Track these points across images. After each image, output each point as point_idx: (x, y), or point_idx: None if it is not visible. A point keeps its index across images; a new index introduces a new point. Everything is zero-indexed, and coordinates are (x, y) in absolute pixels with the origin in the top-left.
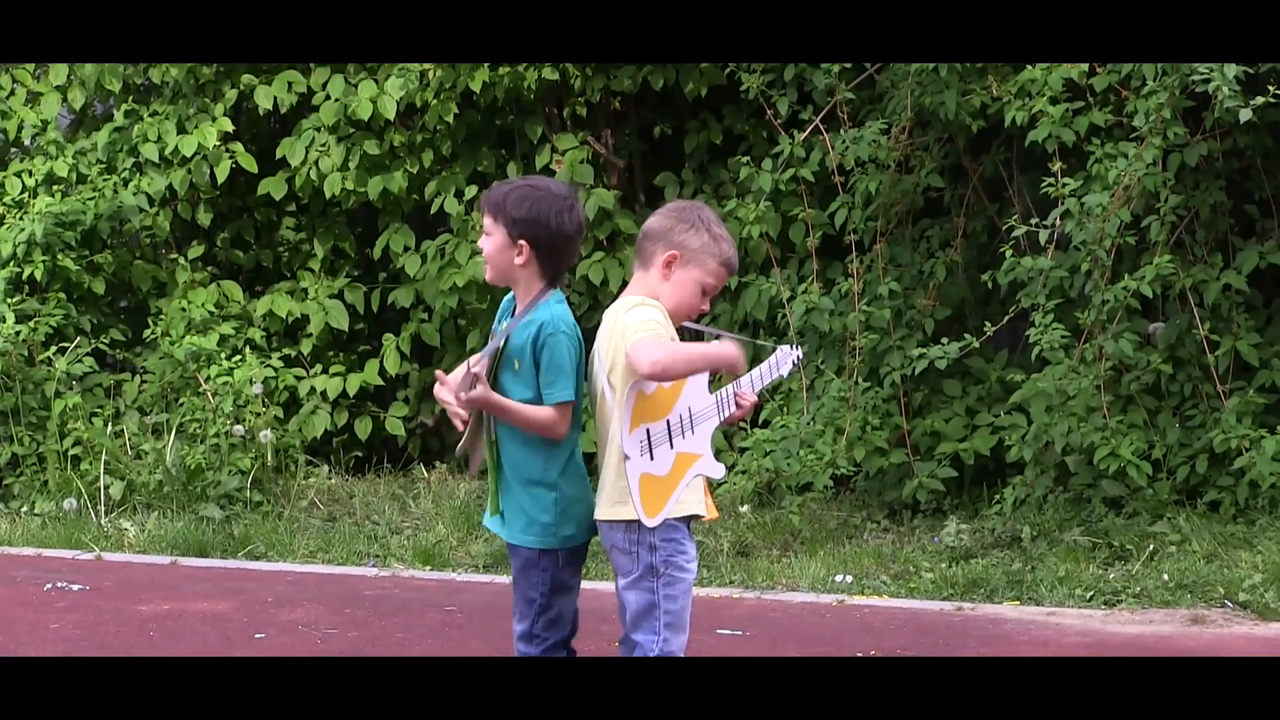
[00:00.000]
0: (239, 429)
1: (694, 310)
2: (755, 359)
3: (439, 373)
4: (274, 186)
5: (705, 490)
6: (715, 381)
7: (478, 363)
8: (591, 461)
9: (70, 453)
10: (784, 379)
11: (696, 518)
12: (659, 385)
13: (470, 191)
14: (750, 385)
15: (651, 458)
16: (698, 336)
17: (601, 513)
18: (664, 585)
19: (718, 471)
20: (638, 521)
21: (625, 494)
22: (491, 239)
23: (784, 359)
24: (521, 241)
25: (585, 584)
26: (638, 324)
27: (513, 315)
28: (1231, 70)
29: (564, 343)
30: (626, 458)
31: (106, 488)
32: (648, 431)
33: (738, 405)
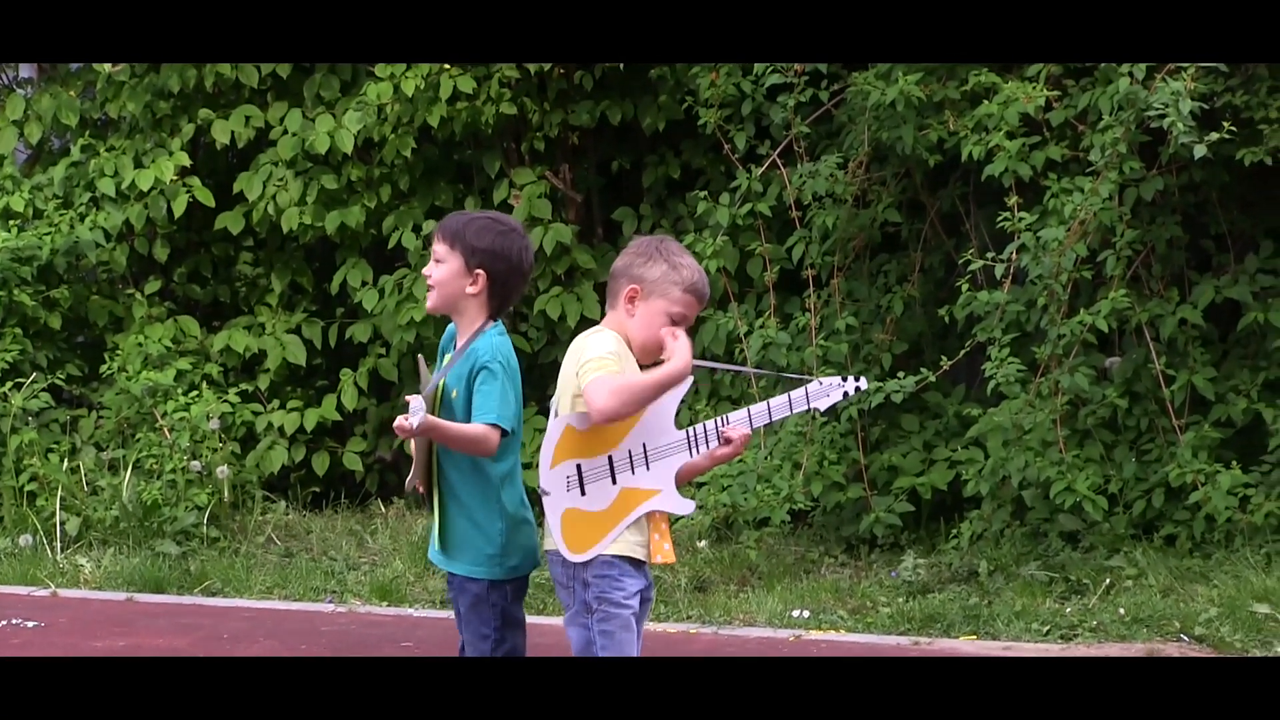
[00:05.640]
0: (196, 464)
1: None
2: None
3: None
4: (231, 221)
5: (662, 533)
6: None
7: (418, 400)
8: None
9: (26, 488)
10: (819, 413)
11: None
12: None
13: (428, 226)
14: (749, 421)
15: (582, 493)
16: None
17: (545, 543)
18: (599, 621)
19: (682, 508)
20: None
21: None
22: (445, 265)
23: (823, 392)
24: (479, 271)
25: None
26: (592, 359)
27: (454, 347)
28: (1186, 106)
29: (494, 378)
30: (545, 493)
31: (62, 523)
32: (578, 467)
33: (725, 440)
